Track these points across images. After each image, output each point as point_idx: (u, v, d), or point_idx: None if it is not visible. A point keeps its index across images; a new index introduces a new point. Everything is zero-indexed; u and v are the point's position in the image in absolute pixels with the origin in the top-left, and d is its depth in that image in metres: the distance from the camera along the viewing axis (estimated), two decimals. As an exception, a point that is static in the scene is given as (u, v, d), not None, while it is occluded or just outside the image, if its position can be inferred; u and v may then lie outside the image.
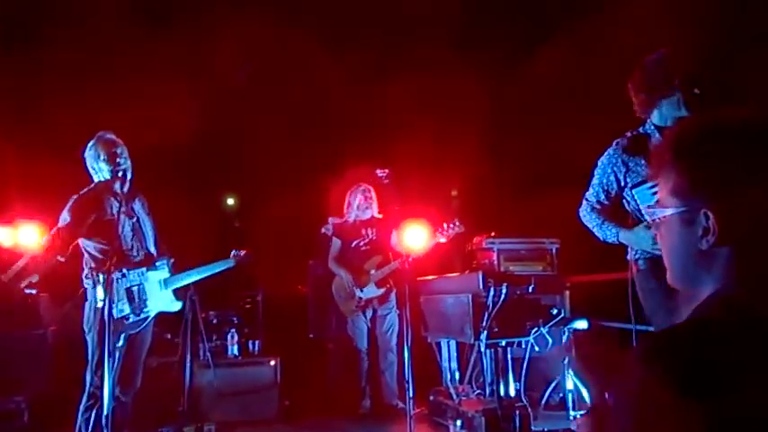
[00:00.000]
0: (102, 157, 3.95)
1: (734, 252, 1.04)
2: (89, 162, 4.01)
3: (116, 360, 3.68)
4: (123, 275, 3.85)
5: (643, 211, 3.13)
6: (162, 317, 4.25)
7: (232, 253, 4.53)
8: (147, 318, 4.00)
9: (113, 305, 3.73)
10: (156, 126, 5.85)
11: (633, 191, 3.19)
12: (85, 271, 3.93)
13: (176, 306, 4.20)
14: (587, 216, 3.39)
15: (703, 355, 0.89)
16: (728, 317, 0.97)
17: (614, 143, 3.31)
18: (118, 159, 3.93)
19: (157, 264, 4.09)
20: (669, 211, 1.11)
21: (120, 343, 3.74)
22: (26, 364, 5.27)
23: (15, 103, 6.01)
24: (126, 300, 3.86)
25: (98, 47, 6.22)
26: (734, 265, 1.04)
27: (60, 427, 4.29)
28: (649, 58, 3.16)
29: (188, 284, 4.37)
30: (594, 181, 3.38)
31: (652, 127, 3.20)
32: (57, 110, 6.03)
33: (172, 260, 4.22)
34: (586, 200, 3.42)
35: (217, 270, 4.41)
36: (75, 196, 3.92)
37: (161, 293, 4.09)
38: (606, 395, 0.96)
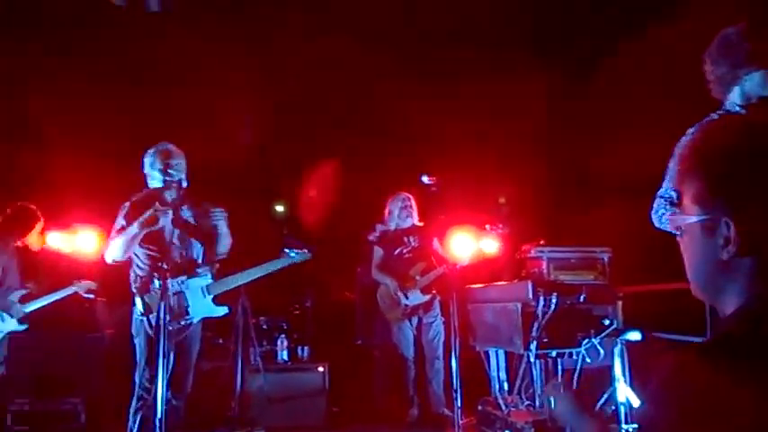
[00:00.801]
0: (157, 166, 4.09)
1: (756, 263, 1.00)
2: (146, 168, 4.17)
3: (169, 364, 3.76)
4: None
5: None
6: (214, 322, 4.33)
7: (286, 252, 4.52)
8: (189, 324, 4.06)
9: (152, 314, 3.85)
10: (208, 135, 5.99)
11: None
12: (132, 276, 4.04)
13: (220, 311, 4.24)
14: (654, 212, 3.10)
15: (728, 374, 0.86)
16: (754, 334, 0.93)
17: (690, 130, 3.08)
18: (170, 170, 4.06)
19: (199, 271, 4.15)
20: (691, 219, 1.08)
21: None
22: (83, 366, 5.44)
23: (73, 109, 6.21)
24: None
25: (157, 57, 6.40)
26: (757, 277, 1.00)
27: (116, 429, 4.40)
28: (731, 28, 2.77)
29: (237, 289, 4.44)
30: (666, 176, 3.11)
31: (735, 106, 2.83)
32: (115, 116, 6.22)
33: (216, 266, 4.27)
34: (658, 196, 3.26)
35: (265, 272, 4.42)
36: (127, 202, 4.06)
37: (203, 300, 4.14)
38: (648, 405, 0.94)
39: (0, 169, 6.18)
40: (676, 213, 1.13)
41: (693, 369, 0.91)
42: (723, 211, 1.01)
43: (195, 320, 4.09)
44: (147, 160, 4.16)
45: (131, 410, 3.89)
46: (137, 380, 3.89)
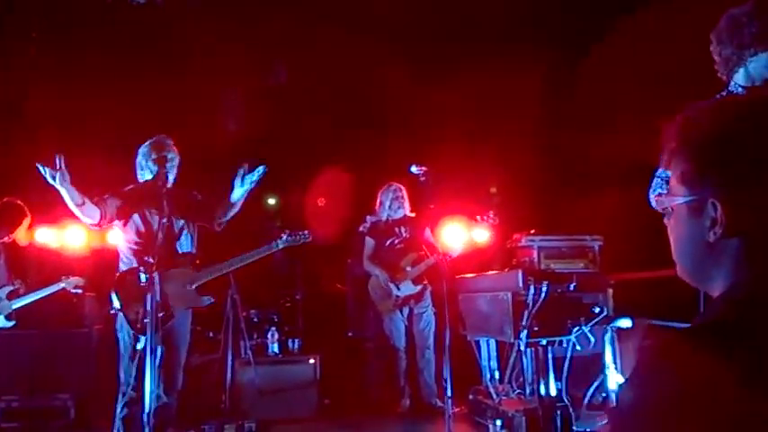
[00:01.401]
0: (152, 157, 4.07)
1: (743, 245, 0.97)
2: (139, 158, 4.16)
3: (156, 359, 3.71)
4: (138, 279, 3.85)
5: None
6: (204, 316, 4.29)
7: (280, 236, 4.46)
8: (170, 317, 4.00)
9: (129, 309, 3.81)
10: (198, 126, 5.95)
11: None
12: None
13: (204, 302, 4.16)
14: (651, 192, 3.19)
15: (713, 359, 0.83)
16: (741, 319, 0.91)
17: None
18: (166, 164, 4.04)
19: (180, 261, 4.11)
20: (677, 200, 1.06)
21: (140, 345, 3.72)
22: (72, 362, 5.41)
23: (60, 103, 6.16)
24: (141, 302, 3.81)
25: (150, 49, 6.35)
26: (744, 260, 0.98)
27: (106, 424, 4.37)
28: (738, 9, 2.73)
29: (226, 282, 4.41)
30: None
31: (738, 87, 2.80)
32: (103, 110, 6.17)
33: (196, 259, 4.22)
34: (656, 176, 3.28)
35: (252, 258, 4.33)
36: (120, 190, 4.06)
37: (184, 291, 4.10)
38: (627, 391, 0.92)
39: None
40: (662, 194, 1.11)
41: (675, 352, 0.89)
42: (710, 191, 0.99)
43: (176, 312, 4.04)
44: (143, 151, 4.15)
45: (118, 408, 3.84)
46: (122, 376, 3.84)
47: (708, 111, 1.07)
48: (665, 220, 1.14)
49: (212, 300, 4.21)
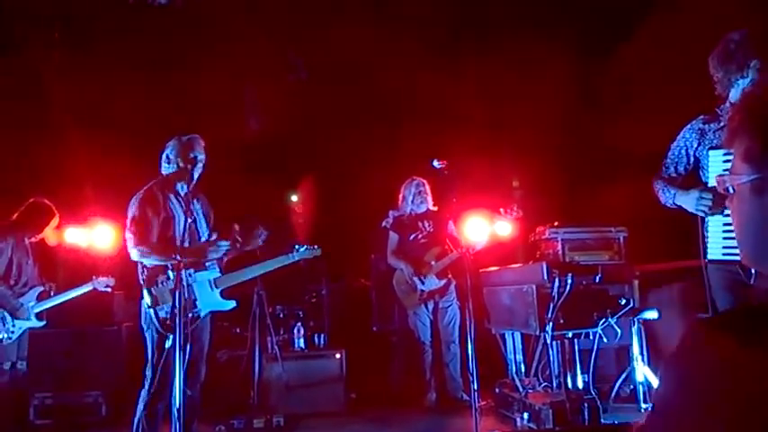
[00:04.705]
0: (181, 153, 4.03)
1: None
2: (168, 151, 4.09)
3: (185, 356, 3.75)
4: (168, 278, 3.88)
5: (712, 180, 3.04)
6: (231, 312, 4.33)
7: (296, 248, 4.53)
8: (197, 317, 4.03)
9: (158, 306, 3.84)
10: (223, 124, 5.99)
11: (709, 153, 3.12)
12: (139, 268, 4.02)
13: (227, 305, 4.18)
14: (656, 182, 3.39)
15: (743, 346, 0.80)
16: None
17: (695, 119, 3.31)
18: (196, 164, 4.01)
19: (207, 264, 4.14)
20: (741, 179, 1.01)
21: (169, 344, 3.75)
22: (102, 359, 5.51)
23: (87, 102, 6.24)
24: (170, 300, 3.84)
25: (171, 46, 6.41)
26: None
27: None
28: (731, 35, 3.10)
29: (252, 279, 4.43)
30: (669, 152, 3.39)
31: (729, 106, 3.13)
32: (130, 108, 6.24)
33: (224, 260, 4.25)
34: (663, 167, 3.40)
35: (272, 267, 4.37)
36: (138, 195, 4.01)
37: (211, 293, 4.12)
38: (666, 379, 0.89)
39: (17, 164, 6.23)
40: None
41: (706, 341, 0.85)
42: None
43: (203, 313, 4.08)
44: (174, 144, 4.09)
45: (141, 405, 3.88)
46: (148, 374, 3.88)
47: None
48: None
49: (235, 304, 4.23)
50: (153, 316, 3.88)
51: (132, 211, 3.99)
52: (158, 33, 6.36)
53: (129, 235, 3.95)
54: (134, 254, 3.92)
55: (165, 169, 4.12)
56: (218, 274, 4.15)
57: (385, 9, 6.45)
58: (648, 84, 5.96)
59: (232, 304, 4.21)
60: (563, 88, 6.56)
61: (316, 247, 4.51)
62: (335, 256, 6.54)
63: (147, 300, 3.90)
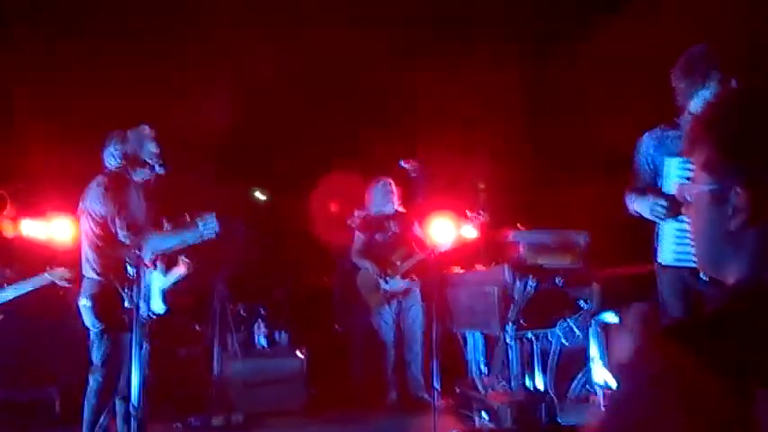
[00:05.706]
0: (146, 147, 3.86)
1: (764, 235, 0.95)
2: (128, 146, 3.86)
3: (142, 353, 3.66)
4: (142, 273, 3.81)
5: (668, 186, 3.11)
6: (191, 309, 4.28)
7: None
8: (150, 317, 3.97)
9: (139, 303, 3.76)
10: (183, 119, 5.91)
11: (665, 160, 3.18)
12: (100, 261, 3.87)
13: (164, 309, 4.11)
14: (628, 195, 3.41)
15: (724, 346, 0.83)
16: (749, 310, 0.89)
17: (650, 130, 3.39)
18: (158, 157, 3.88)
19: (157, 264, 4.05)
20: (700, 188, 1.03)
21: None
22: (58, 354, 5.38)
23: (45, 96, 6.10)
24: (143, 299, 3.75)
25: (129, 37, 6.29)
26: (763, 251, 0.96)
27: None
28: (693, 48, 3.20)
29: (214, 276, 4.38)
30: (633, 165, 3.45)
31: (689, 116, 3.19)
32: (88, 101, 6.12)
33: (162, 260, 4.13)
34: (633, 179, 3.45)
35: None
36: (110, 187, 3.81)
37: (158, 295, 4.07)
38: (623, 381, 0.91)
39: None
40: (684, 184, 1.09)
41: (661, 348, 0.87)
42: (733, 178, 0.96)
43: (153, 315, 4.00)
44: (134, 136, 3.87)
45: (97, 402, 3.79)
46: (104, 370, 3.80)
47: (735, 97, 1.06)
48: (684, 210, 1.13)
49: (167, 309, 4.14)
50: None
51: (113, 201, 3.74)
52: (116, 23, 6.23)
53: (121, 224, 3.67)
54: (132, 242, 3.62)
55: (113, 162, 3.90)
56: (163, 277, 4.08)
57: (354, 10, 6.43)
58: (609, 85, 6.04)
59: (165, 308, 4.13)
60: (527, 91, 6.64)
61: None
62: (299, 254, 6.52)
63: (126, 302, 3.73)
